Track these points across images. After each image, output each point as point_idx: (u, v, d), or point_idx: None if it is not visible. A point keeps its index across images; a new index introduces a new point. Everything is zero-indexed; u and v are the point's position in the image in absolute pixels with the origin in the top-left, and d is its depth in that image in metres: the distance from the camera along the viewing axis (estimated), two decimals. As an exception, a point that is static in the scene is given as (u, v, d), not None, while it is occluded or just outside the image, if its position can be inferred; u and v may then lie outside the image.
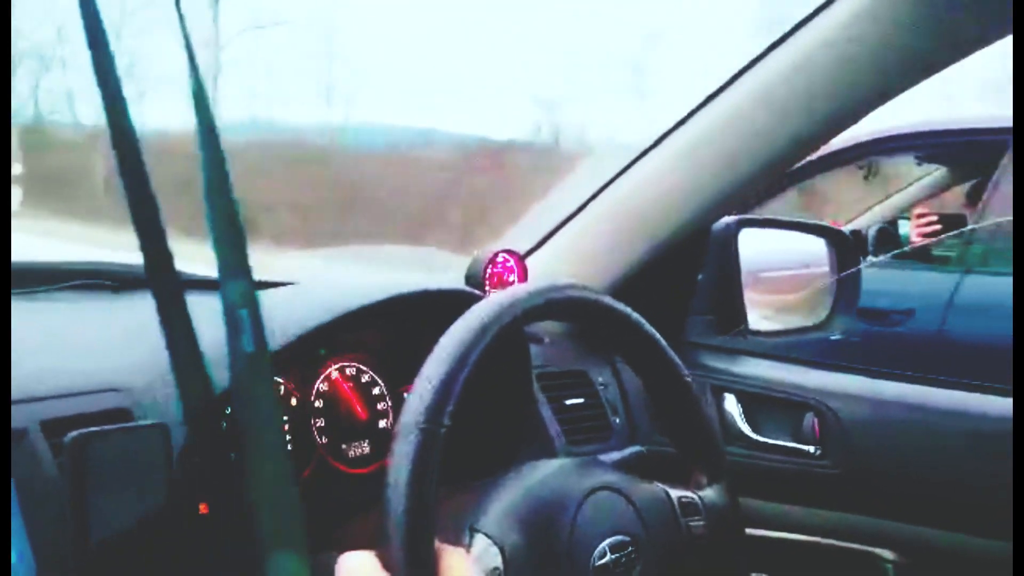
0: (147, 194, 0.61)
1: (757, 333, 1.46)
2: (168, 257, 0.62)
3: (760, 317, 1.49)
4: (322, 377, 1.13)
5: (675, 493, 0.88)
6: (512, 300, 0.78)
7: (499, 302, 0.78)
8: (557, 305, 0.83)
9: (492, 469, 0.89)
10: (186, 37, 0.59)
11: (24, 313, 1.07)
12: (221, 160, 0.59)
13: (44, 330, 1.00)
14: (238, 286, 0.59)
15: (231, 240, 0.60)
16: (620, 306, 0.88)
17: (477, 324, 0.75)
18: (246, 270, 0.60)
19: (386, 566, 0.64)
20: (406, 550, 0.65)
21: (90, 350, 0.94)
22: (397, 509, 0.66)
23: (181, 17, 0.59)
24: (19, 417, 0.78)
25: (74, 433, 0.73)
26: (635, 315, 0.89)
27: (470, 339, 0.74)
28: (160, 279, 0.62)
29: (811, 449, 1.28)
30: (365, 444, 1.17)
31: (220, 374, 0.65)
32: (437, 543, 0.67)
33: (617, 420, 1.37)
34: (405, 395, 1.20)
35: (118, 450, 0.75)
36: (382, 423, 1.19)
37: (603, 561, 0.78)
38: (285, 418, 1.06)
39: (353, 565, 0.64)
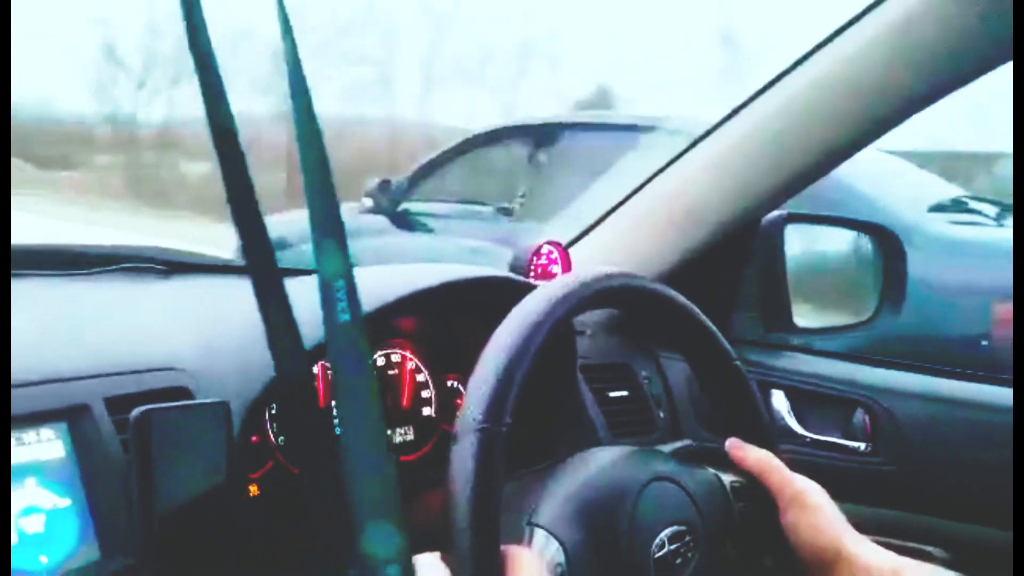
0: (246, 184, 0.62)
1: (803, 330, 1.45)
2: (266, 240, 0.63)
3: (805, 314, 1.47)
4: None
5: (726, 478, 0.87)
6: (568, 291, 0.77)
7: (554, 294, 0.77)
8: (612, 293, 0.82)
9: (535, 461, 0.89)
10: (284, 20, 0.59)
11: (79, 293, 1.08)
12: (318, 134, 0.60)
13: (100, 310, 1.01)
14: (333, 257, 0.60)
15: (326, 212, 0.60)
16: (673, 294, 0.87)
17: (534, 318, 0.74)
18: (341, 241, 0.60)
19: (454, 570, 0.64)
20: (473, 555, 0.64)
21: (146, 330, 0.94)
22: (462, 514, 0.65)
23: (283, 8, 0.60)
24: (81, 393, 0.78)
25: (140, 409, 0.73)
26: (689, 303, 0.88)
27: (527, 333, 0.73)
28: (257, 261, 0.63)
29: (861, 446, 1.27)
30: (410, 431, 1.16)
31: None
32: (503, 546, 0.66)
33: (661, 414, 1.36)
34: (449, 383, 1.21)
35: (182, 427, 0.75)
36: (426, 411, 1.19)
37: (662, 552, 0.77)
38: (333, 403, 1.06)
39: (422, 569, 0.63)
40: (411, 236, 4.22)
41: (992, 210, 3.17)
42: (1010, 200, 3.18)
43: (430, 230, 4.23)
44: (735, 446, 0.88)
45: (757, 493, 0.86)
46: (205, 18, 0.60)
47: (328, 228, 0.61)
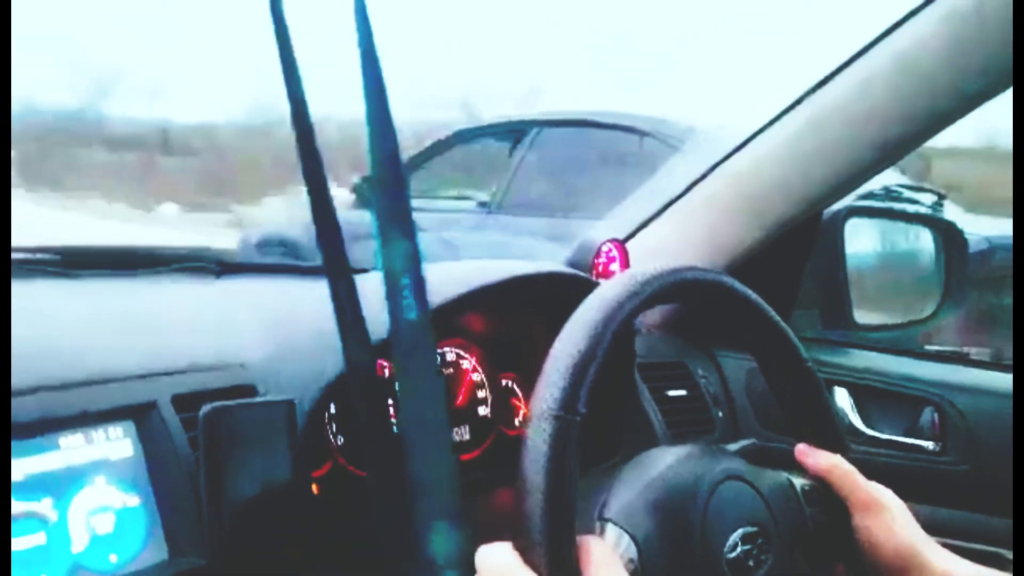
0: (324, 185, 0.63)
1: (864, 327, 1.42)
2: (339, 239, 0.64)
3: (866, 311, 1.44)
4: (425, 362, 1.12)
5: (798, 481, 0.84)
6: (643, 282, 0.76)
7: (630, 284, 0.75)
8: (685, 287, 0.80)
9: (598, 458, 0.87)
10: (361, 10, 0.59)
11: (139, 293, 1.08)
12: (391, 131, 0.60)
13: (160, 309, 1.01)
14: (400, 253, 0.59)
15: (394, 209, 0.60)
16: (749, 292, 0.85)
17: (608, 306, 0.72)
18: (410, 238, 0.60)
19: (526, 559, 0.62)
20: (548, 545, 0.63)
21: (207, 328, 0.94)
22: (536, 502, 0.64)
23: (362, 8, 0.60)
24: (148, 391, 0.78)
25: (209, 406, 0.73)
26: (763, 302, 0.86)
27: (602, 322, 0.71)
28: (332, 260, 0.64)
29: (930, 445, 1.23)
30: (465, 430, 1.15)
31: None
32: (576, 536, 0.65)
33: (720, 413, 1.34)
34: (504, 383, 1.20)
35: (249, 424, 0.75)
36: (482, 411, 1.18)
37: (735, 553, 0.75)
38: (390, 401, 1.06)
39: (493, 558, 0.62)
40: None
41: (929, 199, 3.17)
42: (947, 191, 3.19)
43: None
44: (804, 452, 0.86)
45: (829, 499, 0.84)
46: (288, 23, 0.61)
47: (396, 225, 0.61)
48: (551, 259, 1.36)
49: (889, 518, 0.80)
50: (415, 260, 0.61)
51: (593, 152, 3.98)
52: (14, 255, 1.02)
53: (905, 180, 3.39)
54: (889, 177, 3.27)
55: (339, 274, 0.63)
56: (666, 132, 3.64)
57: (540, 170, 4.23)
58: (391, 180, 0.61)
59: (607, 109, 4.27)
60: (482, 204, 4.45)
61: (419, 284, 0.61)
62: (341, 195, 4.52)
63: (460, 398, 1.16)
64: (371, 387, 0.64)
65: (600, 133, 4.05)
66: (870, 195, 3.01)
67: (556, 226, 3.47)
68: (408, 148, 5.03)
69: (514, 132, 4.47)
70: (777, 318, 0.86)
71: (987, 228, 3.25)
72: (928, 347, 1.35)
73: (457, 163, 4.85)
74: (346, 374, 0.65)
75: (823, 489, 0.84)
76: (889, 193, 3.10)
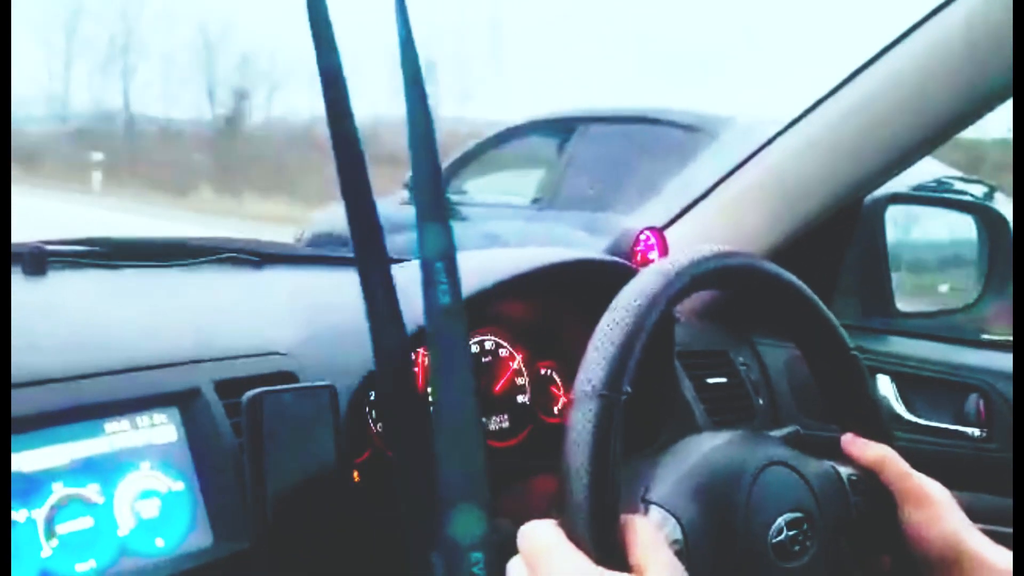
0: (363, 179, 0.63)
1: (905, 314, 1.40)
2: (376, 228, 0.64)
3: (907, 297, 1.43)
4: (464, 350, 1.12)
5: (844, 470, 0.83)
6: (686, 266, 0.75)
7: (673, 266, 0.75)
8: (729, 273, 0.80)
9: (638, 445, 0.87)
10: (402, 12, 0.60)
11: (181, 283, 1.09)
12: (429, 123, 0.62)
13: (202, 298, 1.02)
14: (435, 240, 0.61)
15: (430, 198, 0.61)
16: (794, 279, 0.84)
17: (654, 287, 0.72)
18: (444, 225, 0.61)
19: (570, 536, 0.62)
20: (592, 521, 0.62)
21: (249, 317, 0.95)
22: (580, 480, 0.63)
23: (403, 10, 0.61)
24: (192, 377, 0.79)
25: (252, 392, 0.74)
26: (808, 290, 0.85)
27: (647, 303, 0.71)
28: (367, 249, 0.64)
29: (975, 432, 1.22)
30: (505, 419, 1.15)
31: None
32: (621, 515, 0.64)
33: (761, 401, 1.33)
34: (543, 371, 1.19)
35: (291, 410, 0.75)
36: (520, 398, 1.17)
37: (780, 538, 0.75)
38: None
39: (537, 535, 0.62)
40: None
41: (980, 190, 3.11)
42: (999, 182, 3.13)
43: (464, 220, 4.31)
44: (851, 441, 0.85)
45: (875, 488, 0.83)
46: (330, 19, 0.62)
47: (432, 212, 0.62)
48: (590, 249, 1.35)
49: (937, 510, 0.79)
50: (449, 247, 0.62)
51: (645, 148, 3.95)
52: (58, 247, 1.04)
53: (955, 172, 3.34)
54: (939, 169, 3.24)
55: (373, 262, 0.63)
56: (718, 128, 3.61)
57: (591, 166, 4.21)
58: (428, 172, 0.62)
59: (658, 105, 4.25)
60: (534, 200, 4.44)
61: (452, 270, 0.62)
62: (399, 192, 4.53)
63: (499, 385, 1.16)
64: (402, 372, 0.64)
65: (652, 129, 4.00)
66: (921, 187, 2.99)
67: (607, 221, 3.46)
68: (453, 145, 5.06)
69: (565, 128, 4.45)
70: (821, 305, 0.85)
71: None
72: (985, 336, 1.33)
73: (508, 159, 4.84)
74: (378, 360, 0.65)
75: (870, 479, 0.83)
76: (941, 185, 3.06)
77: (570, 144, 4.32)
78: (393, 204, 4.39)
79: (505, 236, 3.82)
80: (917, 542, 0.79)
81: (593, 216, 3.70)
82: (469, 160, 4.71)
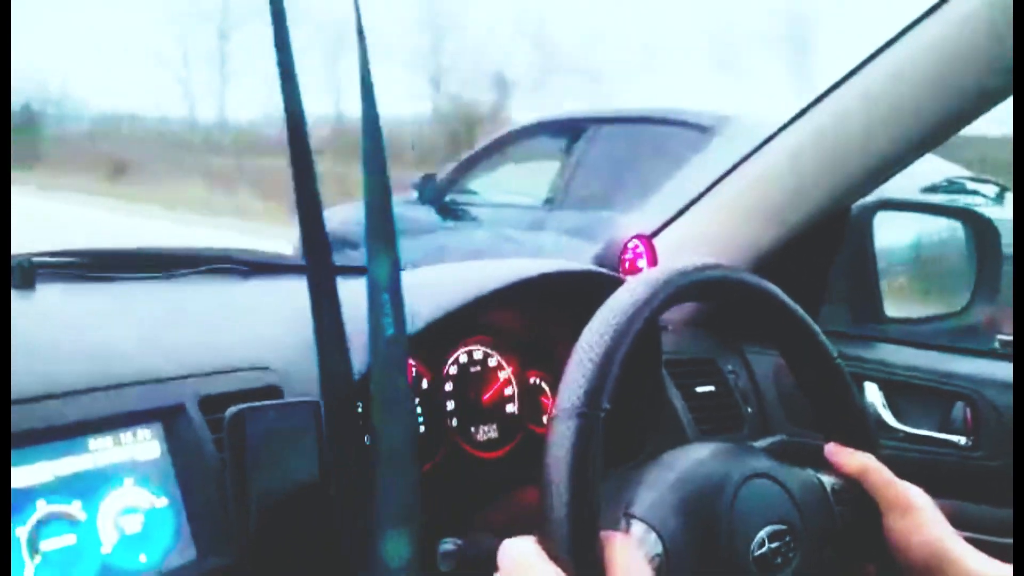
0: (313, 189, 0.65)
1: (894, 320, 1.40)
2: (325, 244, 0.66)
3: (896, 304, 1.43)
4: (451, 360, 1.13)
5: (827, 480, 0.84)
6: (666, 280, 0.75)
7: (653, 282, 0.75)
8: (710, 285, 0.80)
9: (625, 457, 0.87)
10: (360, 32, 0.60)
11: (167, 296, 1.09)
12: (380, 149, 0.62)
13: (187, 311, 1.01)
14: (383, 270, 0.62)
15: (380, 226, 0.62)
16: (774, 289, 0.84)
17: (631, 303, 0.72)
18: (393, 255, 0.62)
19: (550, 553, 0.62)
20: (571, 539, 0.63)
21: (234, 330, 0.94)
22: (560, 497, 0.64)
23: (358, 10, 0.61)
24: (176, 393, 0.79)
25: (234, 408, 0.74)
26: (789, 299, 0.85)
27: (625, 319, 0.71)
28: (316, 264, 0.66)
29: (961, 440, 1.22)
30: (493, 429, 1.16)
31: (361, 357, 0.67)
32: (600, 531, 0.65)
33: (749, 409, 1.33)
34: (532, 380, 1.20)
35: (275, 425, 0.75)
36: (509, 408, 1.18)
37: (762, 551, 0.75)
38: (417, 400, 1.06)
39: (516, 552, 0.63)
40: (456, 227, 4.35)
41: (991, 190, 3.10)
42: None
43: (474, 220, 4.33)
44: (834, 451, 0.85)
45: (859, 497, 0.83)
46: (288, 22, 0.62)
47: (381, 243, 0.63)
48: (579, 257, 1.36)
49: (921, 518, 0.79)
50: (396, 278, 0.63)
51: (655, 149, 3.93)
52: (43, 259, 1.04)
53: (966, 172, 3.34)
54: (951, 169, 3.25)
55: (321, 279, 0.64)
56: (729, 128, 3.60)
57: (601, 166, 4.18)
58: (378, 201, 0.63)
59: (669, 106, 4.22)
60: (547, 201, 4.42)
61: (398, 302, 0.63)
62: (405, 192, 4.53)
63: (487, 395, 1.16)
64: (343, 399, 0.66)
65: (662, 129, 3.97)
66: (934, 188, 2.99)
67: (611, 220, 3.45)
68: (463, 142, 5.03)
69: (574, 128, 4.43)
70: (804, 314, 0.85)
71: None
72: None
73: (517, 159, 4.81)
74: (323, 386, 0.66)
75: (853, 488, 0.83)
76: (952, 184, 3.06)
77: (580, 144, 4.29)
78: (401, 205, 4.39)
79: (519, 238, 3.84)
80: (901, 550, 0.79)
81: (604, 216, 3.69)
82: (477, 161, 4.70)
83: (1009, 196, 3.15)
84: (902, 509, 0.80)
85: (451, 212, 4.42)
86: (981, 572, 0.76)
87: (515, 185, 4.91)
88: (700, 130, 3.71)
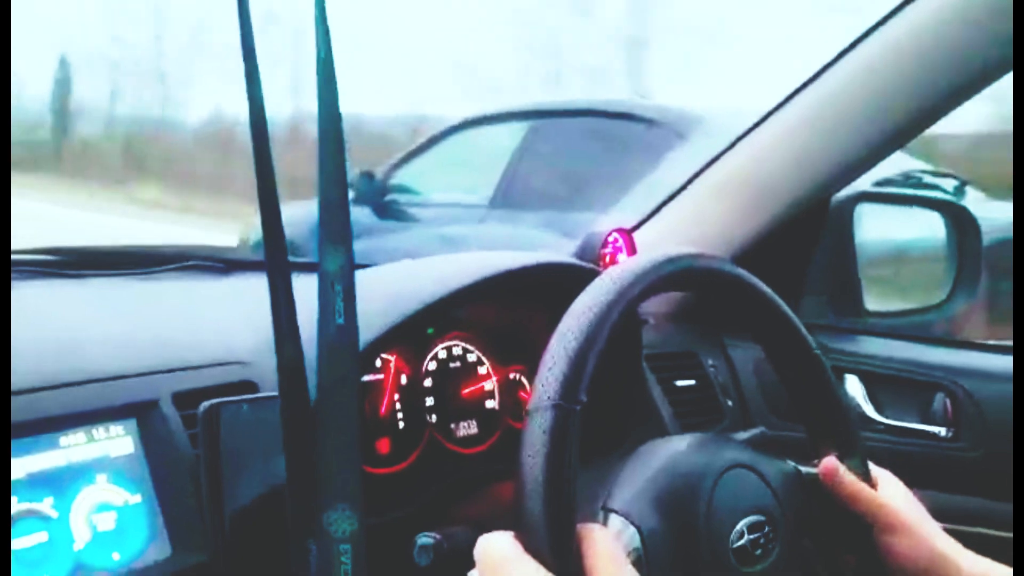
0: (272, 186, 0.65)
1: (874, 313, 1.41)
2: (282, 240, 0.66)
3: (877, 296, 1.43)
4: (431, 355, 1.12)
5: (806, 470, 0.84)
6: (644, 270, 0.75)
7: (630, 272, 0.74)
8: (688, 275, 0.79)
9: (604, 451, 0.86)
10: (322, 26, 0.61)
11: (142, 292, 1.08)
12: (339, 143, 0.64)
13: (163, 308, 1.01)
14: (336, 261, 0.62)
15: (335, 218, 0.62)
16: (754, 279, 0.84)
17: (609, 296, 0.71)
18: (346, 245, 0.63)
19: (528, 548, 0.62)
20: (549, 533, 0.62)
21: (210, 326, 0.94)
22: (536, 491, 0.63)
23: (322, 8, 0.61)
24: (149, 389, 0.78)
25: (207, 403, 0.73)
26: (768, 290, 0.85)
27: (601, 311, 0.70)
28: (273, 259, 0.66)
29: (942, 431, 1.22)
30: (472, 424, 1.15)
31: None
32: (578, 525, 0.64)
33: (729, 403, 1.33)
34: (511, 375, 1.19)
35: (249, 420, 0.75)
36: (489, 403, 1.17)
37: (741, 542, 0.75)
38: (396, 396, 1.06)
39: (494, 546, 0.62)
40: (395, 227, 4.21)
41: (950, 184, 3.12)
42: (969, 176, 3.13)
43: (414, 219, 4.24)
44: (829, 473, 0.84)
45: (852, 519, 0.83)
46: (251, 20, 0.63)
47: (337, 233, 0.64)
48: (555, 251, 1.35)
49: (916, 536, 0.79)
50: (348, 268, 0.65)
51: (598, 142, 3.88)
52: (16, 257, 1.03)
53: (925, 166, 3.35)
54: (909, 163, 3.24)
55: (278, 271, 0.65)
56: (674, 121, 3.57)
57: (544, 161, 4.09)
58: (334, 190, 0.64)
59: (613, 98, 4.19)
60: (491, 199, 4.26)
61: (349, 291, 0.64)
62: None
63: (466, 391, 1.15)
64: (295, 383, 0.67)
65: (606, 122, 3.88)
66: (888, 181, 3.00)
67: (560, 219, 3.42)
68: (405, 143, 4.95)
69: (516, 122, 4.32)
70: (783, 306, 0.85)
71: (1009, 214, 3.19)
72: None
73: (457, 155, 4.66)
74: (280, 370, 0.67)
75: (847, 511, 0.83)
76: (908, 179, 3.06)
77: (522, 140, 4.17)
78: None
79: (459, 238, 3.73)
80: (899, 568, 0.79)
81: (547, 214, 3.65)
82: (415, 156, 4.56)
83: (970, 191, 3.18)
84: (896, 530, 0.80)
85: (391, 212, 4.29)
86: (969, 570, 0.76)
87: (458, 182, 4.83)
88: (650, 124, 3.67)
